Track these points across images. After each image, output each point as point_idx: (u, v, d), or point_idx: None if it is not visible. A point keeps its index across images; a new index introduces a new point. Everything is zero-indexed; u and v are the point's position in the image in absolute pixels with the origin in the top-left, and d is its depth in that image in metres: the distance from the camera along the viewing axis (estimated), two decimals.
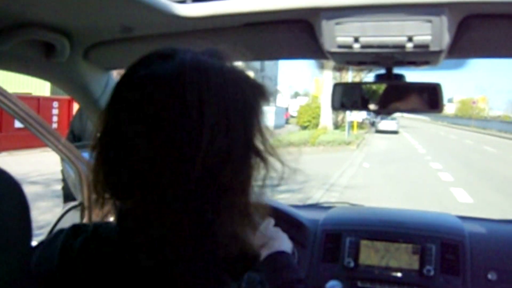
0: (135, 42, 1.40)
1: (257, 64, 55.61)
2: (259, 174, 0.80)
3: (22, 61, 1.39)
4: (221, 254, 0.76)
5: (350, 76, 29.84)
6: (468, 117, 68.11)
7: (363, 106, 1.53)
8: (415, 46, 1.09)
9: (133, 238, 0.75)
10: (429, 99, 1.42)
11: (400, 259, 1.70)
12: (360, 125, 38.45)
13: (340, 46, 1.13)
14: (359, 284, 1.68)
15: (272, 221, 1.27)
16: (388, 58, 1.20)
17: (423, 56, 1.18)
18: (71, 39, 1.35)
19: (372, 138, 33.32)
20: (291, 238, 1.82)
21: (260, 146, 0.80)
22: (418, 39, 1.07)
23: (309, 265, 1.76)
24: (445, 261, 1.67)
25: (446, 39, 1.08)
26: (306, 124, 33.58)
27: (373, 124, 48.69)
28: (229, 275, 0.76)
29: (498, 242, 1.78)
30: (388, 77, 1.44)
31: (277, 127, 40.02)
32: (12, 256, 0.59)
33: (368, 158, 18.98)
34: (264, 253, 1.13)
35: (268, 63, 61.55)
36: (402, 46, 1.10)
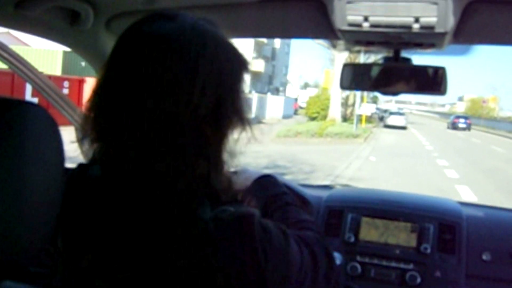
0: None
1: (268, 52, 55.46)
2: (235, 131, 0.90)
3: (47, 27, 1.46)
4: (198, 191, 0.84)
5: (361, 61, 29.61)
6: (478, 117, 67.78)
7: (370, 87, 1.60)
8: (421, 27, 1.15)
9: (118, 175, 0.84)
10: (434, 81, 1.48)
11: (398, 236, 1.77)
12: (369, 119, 38.36)
13: (350, 25, 1.19)
14: (358, 258, 1.75)
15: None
16: (395, 38, 1.26)
17: (428, 37, 1.23)
18: (95, 7, 1.42)
19: (380, 132, 33.26)
20: None
21: (242, 107, 0.89)
22: (424, 20, 1.13)
23: None
24: (442, 240, 1.74)
25: (451, 22, 1.14)
26: (314, 115, 33.56)
27: (381, 118, 48.58)
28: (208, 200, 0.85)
29: (493, 226, 1.84)
30: (396, 60, 1.49)
31: (285, 117, 40.01)
32: (49, 174, 0.66)
33: (375, 152, 18.99)
34: (252, 177, 1.28)
35: (280, 52, 61.38)
36: (409, 27, 1.16)
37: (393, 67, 1.52)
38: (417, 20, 1.14)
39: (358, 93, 28.92)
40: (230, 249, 0.80)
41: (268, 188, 1.24)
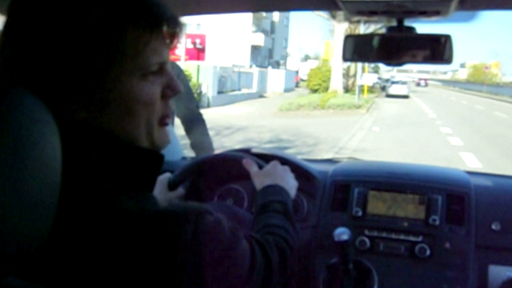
0: None
1: (267, 25, 55.00)
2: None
3: None
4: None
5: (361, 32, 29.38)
6: (480, 83, 67.39)
7: (374, 57, 1.56)
8: None
9: None
10: (439, 50, 1.44)
11: (406, 209, 1.74)
12: (371, 89, 38.24)
13: None
14: (366, 232, 1.73)
15: (277, 164, 1.46)
16: (399, 6, 1.22)
17: (433, 4, 1.19)
18: None
19: (383, 102, 33.18)
20: (301, 189, 1.87)
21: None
22: None
23: (318, 214, 1.81)
24: (451, 211, 1.71)
25: None
26: (316, 87, 33.46)
27: (383, 88, 48.46)
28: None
29: (503, 195, 1.82)
30: (399, 29, 1.45)
31: (287, 90, 39.90)
32: (47, 173, 0.63)
33: (378, 122, 18.96)
34: (265, 182, 1.34)
35: (279, 25, 60.89)
36: None
37: (396, 37, 1.48)
38: None
39: (359, 64, 28.73)
40: (170, 241, 0.78)
41: (270, 195, 1.29)
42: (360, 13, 1.34)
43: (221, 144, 11.77)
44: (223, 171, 1.88)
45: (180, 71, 3.22)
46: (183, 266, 0.78)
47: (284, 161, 1.87)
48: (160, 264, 0.76)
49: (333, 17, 29.80)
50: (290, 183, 1.40)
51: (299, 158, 2.01)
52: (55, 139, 0.65)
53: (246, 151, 1.82)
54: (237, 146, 2.03)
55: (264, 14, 50.98)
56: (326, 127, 16.60)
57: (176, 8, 1.59)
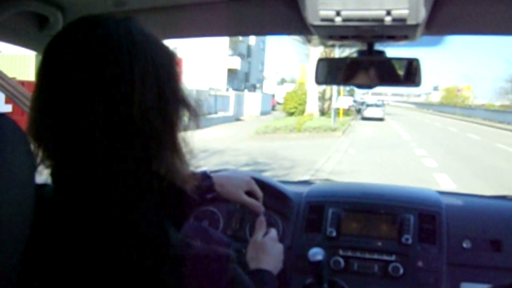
0: (126, 15, 1.44)
1: (243, 49, 55.39)
2: (184, 119, 0.92)
3: (15, 33, 1.43)
4: (157, 186, 0.84)
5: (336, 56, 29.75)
6: (453, 105, 68.56)
7: (346, 81, 1.60)
8: (393, 20, 1.15)
9: (72, 192, 0.82)
10: (408, 73, 1.49)
11: (379, 229, 1.78)
12: (346, 112, 38.60)
13: (322, 19, 1.19)
14: (340, 252, 1.76)
15: (272, 233, 1.42)
16: (368, 31, 1.26)
17: (401, 30, 1.24)
18: (64, 11, 1.39)
19: (358, 124, 33.49)
20: (276, 210, 1.89)
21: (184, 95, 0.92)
22: (396, 12, 1.13)
23: (293, 235, 1.83)
24: (423, 230, 1.75)
25: (422, 13, 1.14)
26: (292, 110, 33.62)
27: (359, 111, 48.90)
28: (170, 220, 0.85)
29: (473, 213, 1.86)
30: (370, 53, 1.50)
31: (263, 113, 40.07)
32: (17, 190, 0.64)
33: (353, 145, 19.11)
34: (251, 265, 1.29)
35: (255, 49, 61.36)
36: (381, 20, 1.16)
37: (367, 60, 1.52)
38: (389, 12, 1.14)
39: (335, 87, 29.01)
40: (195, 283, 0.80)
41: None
42: (331, 37, 1.38)
43: (197, 167, 11.71)
44: (198, 191, 1.89)
45: None
46: None
47: (259, 183, 1.89)
48: None
49: (309, 41, 30.08)
50: (279, 265, 1.38)
51: (274, 180, 2.03)
52: (29, 167, 0.66)
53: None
54: (214, 169, 2.04)
55: (240, 38, 51.37)
56: (302, 150, 16.67)
57: (155, 32, 1.61)
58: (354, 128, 29.22)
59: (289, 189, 1.98)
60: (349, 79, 1.57)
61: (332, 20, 1.18)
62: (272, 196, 1.90)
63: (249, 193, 1.49)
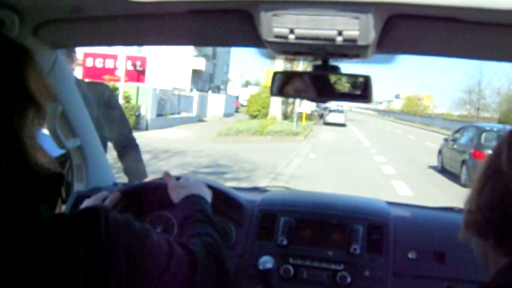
0: (84, 22, 1.45)
1: (209, 51, 55.20)
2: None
3: None
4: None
5: (300, 67, 30.10)
6: (414, 114, 69.90)
7: (300, 94, 1.64)
8: (345, 40, 1.19)
9: None
10: (360, 89, 1.54)
11: (330, 238, 1.82)
12: (309, 117, 38.96)
13: (276, 36, 1.22)
14: (291, 260, 1.79)
15: (189, 176, 1.60)
16: (321, 49, 1.30)
17: (352, 49, 1.28)
18: (20, 15, 1.38)
19: (320, 130, 33.84)
20: (229, 217, 1.91)
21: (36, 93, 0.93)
22: (347, 33, 1.17)
23: (245, 243, 1.86)
24: (371, 241, 1.80)
25: (372, 35, 1.19)
26: (255, 113, 33.78)
27: (321, 116, 49.45)
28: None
29: (419, 225, 1.93)
30: (324, 68, 1.54)
31: (226, 115, 40.05)
32: None
33: (314, 149, 19.32)
34: (175, 200, 1.48)
35: (220, 51, 61.21)
36: (333, 39, 1.20)
37: (321, 75, 1.56)
38: (340, 33, 1.18)
39: None
40: (77, 244, 0.84)
41: (190, 206, 1.40)
42: (286, 52, 1.41)
43: (158, 168, 11.66)
44: (153, 198, 1.90)
45: (112, 94, 3.22)
46: (100, 258, 0.86)
47: (212, 189, 1.92)
48: (73, 259, 0.84)
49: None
50: (204, 191, 1.54)
51: (226, 186, 2.05)
52: None
53: (177, 179, 1.85)
54: (174, 170, 2.05)
55: None
56: (264, 153, 16.76)
57: (114, 40, 1.62)
58: (316, 133, 29.51)
59: (242, 196, 2.01)
60: (302, 93, 1.61)
61: (285, 37, 1.21)
62: (225, 203, 1.92)
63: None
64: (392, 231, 1.84)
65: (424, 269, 1.78)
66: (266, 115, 31.74)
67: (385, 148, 22.21)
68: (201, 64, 50.76)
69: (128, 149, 3.20)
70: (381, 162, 16.54)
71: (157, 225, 1.93)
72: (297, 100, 29.79)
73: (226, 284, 1.24)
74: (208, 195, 1.54)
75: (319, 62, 1.55)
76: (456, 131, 16.07)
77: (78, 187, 2.18)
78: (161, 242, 1.02)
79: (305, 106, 31.58)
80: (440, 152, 16.53)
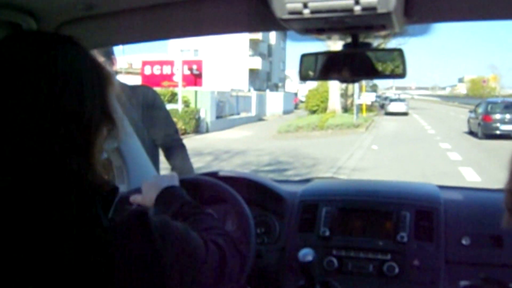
0: (101, 19, 1.43)
1: (264, 49, 55.37)
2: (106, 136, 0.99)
3: None
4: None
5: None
6: (480, 97, 67.44)
7: (328, 76, 1.55)
8: (363, 9, 1.10)
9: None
10: (393, 65, 1.43)
11: (374, 227, 1.72)
12: (370, 108, 38.35)
13: (290, 13, 1.14)
14: (334, 252, 1.70)
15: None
16: (340, 22, 1.21)
17: (374, 19, 1.18)
18: (37, 19, 1.38)
19: (382, 120, 33.20)
20: (270, 210, 1.85)
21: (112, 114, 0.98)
22: (364, 1, 1.08)
23: (287, 235, 1.79)
24: (419, 227, 1.69)
25: (393, 1, 1.09)
26: (314, 108, 33.52)
27: (382, 106, 48.53)
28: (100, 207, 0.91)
29: (473, 208, 1.79)
30: (355, 45, 1.45)
31: (286, 112, 40.02)
32: None
33: (377, 140, 18.94)
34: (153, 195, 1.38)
35: (276, 49, 61.27)
36: (350, 10, 1.11)
37: (349, 54, 1.47)
38: (357, 1, 1.09)
39: (357, 83, 28.85)
40: (130, 246, 0.89)
41: (171, 202, 1.34)
42: (307, 31, 1.33)
43: (221, 168, 11.75)
44: (194, 194, 1.86)
45: (155, 95, 3.20)
46: (155, 256, 0.91)
47: (253, 183, 1.86)
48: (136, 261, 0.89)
49: (328, 37, 29.95)
50: (165, 179, 1.44)
51: (268, 179, 1.99)
52: None
53: (214, 174, 1.80)
54: (236, 170, 2.01)
55: (260, 37, 51.36)
56: (324, 147, 16.58)
57: (129, 35, 1.59)
58: (378, 124, 28.98)
59: (285, 188, 1.94)
60: (331, 74, 1.52)
61: (300, 12, 1.13)
62: (267, 196, 1.86)
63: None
64: (443, 216, 1.71)
65: (481, 255, 1.65)
66: (325, 109, 31.42)
67: (450, 135, 21.49)
68: (257, 63, 50.92)
69: (174, 150, 3.18)
70: (447, 149, 16.01)
71: None
72: (356, 92, 29.40)
73: (246, 268, 1.28)
74: (174, 180, 1.46)
75: (348, 40, 1.46)
76: (476, 106, 23.18)
77: (120, 188, 2.17)
78: (198, 239, 1.06)
79: (365, 97, 31.11)
80: (468, 120, 23.51)
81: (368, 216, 1.74)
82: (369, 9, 1.10)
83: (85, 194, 0.89)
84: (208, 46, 44.33)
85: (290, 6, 1.13)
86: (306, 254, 1.54)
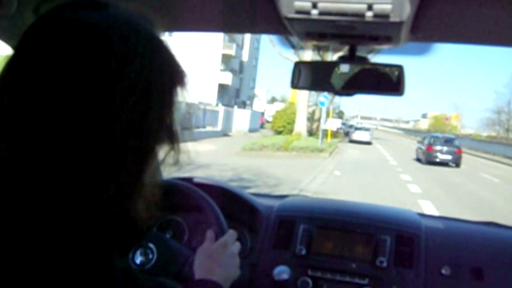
0: None
1: (236, 65, 55.52)
2: (162, 153, 0.77)
3: None
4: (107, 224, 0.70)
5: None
6: (441, 133, 69.05)
7: (324, 86, 1.49)
8: (375, 15, 1.04)
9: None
10: (391, 81, 1.38)
11: (353, 249, 1.65)
12: (335, 134, 38.75)
13: (298, 12, 1.08)
14: (309, 272, 1.62)
15: (228, 238, 1.27)
16: (348, 28, 1.15)
17: (384, 29, 1.13)
18: None
19: (346, 147, 33.53)
20: (244, 223, 1.76)
21: (172, 122, 0.77)
22: (378, 7, 1.02)
23: (260, 251, 1.70)
24: (399, 253, 1.63)
25: (407, 10, 1.03)
26: (280, 129, 33.65)
27: (347, 134, 49.14)
28: (116, 250, 0.73)
29: (454, 238, 1.75)
30: (351, 58, 1.39)
31: (251, 130, 40.07)
32: None
33: (339, 166, 19.06)
34: (197, 274, 1.14)
35: (248, 66, 61.53)
36: (362, 15, 1.05)
37: (347, 66, 1.41)
38: (370, 7, 1.03)
39: (324, 108, 29.15)
40: None
41: None
42: (309, 35, 1.26)
43: None
44: (164, 200, 1.76)
45: None
46: None
47: (228, 193, 1.77)
48: None
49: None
50: (231, 278, 1.21)
51: (244, 191, 1.90)
52: None
53: (189, 180, 1.71)
54: None
55: (233, 53, 51.48)
56: (288, 168, 16.58)
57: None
58: (341, 150, 29.23)
59: (259, 201, 1.85)
60: (327, 85, 1.46)
61: (308, 12, 1.07)
62: (241, 208, 1.77)
63: None
64: (423, 243, 1.66)
65: (460, 287, 1.60)
66: (291, 131, 31.57)
67: (411, 167, 21.84)
68: (227, 78, 50.95)
69: None
70: (407, 181, 16.20)
71: (167, 230, 1.78)
72: (323, 116, 29.65)
73: None
74: (230, 282, 1.21)
75: (345, 52, 1.40)
76: (423, 138, 28.48)
77: None
78: None
79: (331, 123, 31.40)
80: (416, 150, 28.88)
81: (347, 237, 1.67)
82: (382, 16, 1.04)
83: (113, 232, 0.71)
84: (180, 55, 44.01)
85: (298, 4, 1.06)
86: (282, 271, 1.46)
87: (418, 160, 26.76)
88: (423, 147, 26.25)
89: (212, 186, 1.71)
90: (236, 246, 1.28)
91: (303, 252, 1.64)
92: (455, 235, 1.77)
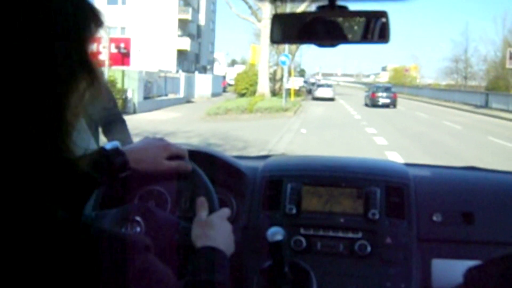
0: None
1: (193, 29, 54.62)
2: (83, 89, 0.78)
3: None
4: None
5: (286, 46, 29.85)
6: (401, 85, 69.77)
7: (305, 38, 1.43)
8: None
9: None
10: (375, 28, 1.33)
11: (344, 204, 1.62)
12: (297, 93, 38.83)
13: None
14: (302, 231, 1.59)
15: (222, 212, 1.27)
16: None
17: None
18: None
19: (309, 105, 33.68)
20: (229, 187, 1.71)
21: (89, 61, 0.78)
22: None
23: (248, 214, 1.66)
24: (390, 204, 1.61)
25: None
26: (243, 91, 33.51)
27: (309, 91, 49.28)
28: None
29: (442, 185, 1.73)
30: (331, 7, 1.33)
31: (214, 95, 39.82)
32: None
33: (305, 124, 19.15)
34: (198, 243, 1.12)
35: (205, 30, 60.65)
36: None
37: (328, 15, 1.35)
38: None
39: (286, 67, 29.10)
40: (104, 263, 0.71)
41: (203, 268, 1.07)
42: None
43: None
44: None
45: None
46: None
47: (210, 157, 1.71)
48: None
49: (259, 20, 29.95)
50: (230, 244, 1.22)
51: (226, 154, 1.85)
52: None
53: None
54: None
55: (189, 17, 50.60)
56: (254, 130, 16.57)
57: None
58: (306, 108, 29.37)
59: (243, 163, 1.80)
60: (309, 37, 1.40)
61: None
62: (224, 171, 1.71)
63: (172, 158, 1.36)
64: (413, 192, 1.64)
65: (452, 232, 1.59)
66: (254, 92, 31.45)
67: (375, 120, 22.10)
68: (186, 44, 50.14)
69: (114, 125, 2.97)
70: (373, 134, 16.43)
71: (149, 199, 1.72)
72: (285, 76, 29.61)
73: None
74: (230, 250, 1.21)
75: (325, 2, 1.34)
76: (369, 88, 37.22)
77: None
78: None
79: (293, 82, 31.40)
80: (364, 97, 38.05)
81: (336, 193, 1.63)
82: None
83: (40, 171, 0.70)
84: (136, 24, 43.15)
85: None
86: (275, 232, 1.42)
87: (366, 105, 35.39)
88: (369, 95, 35.96)
89: (192, 151, 1.64)
90: (225, 212, 1.29)
91: (294, 211, 1.61)
92: (442, 182, 1.76)
